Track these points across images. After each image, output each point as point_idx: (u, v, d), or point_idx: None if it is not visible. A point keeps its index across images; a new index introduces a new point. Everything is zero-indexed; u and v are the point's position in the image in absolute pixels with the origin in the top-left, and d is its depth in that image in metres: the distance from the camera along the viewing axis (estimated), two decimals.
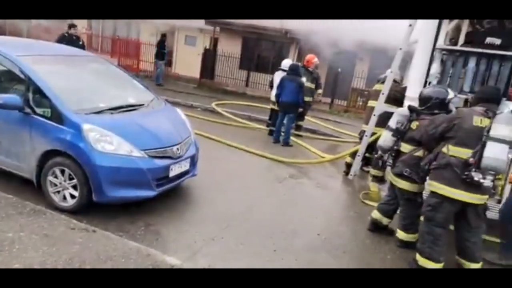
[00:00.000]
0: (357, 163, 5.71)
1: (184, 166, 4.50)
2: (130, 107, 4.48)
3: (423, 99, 4.05)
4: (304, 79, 8.48)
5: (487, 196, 3.40)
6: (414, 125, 4.00)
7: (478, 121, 3.32)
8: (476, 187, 3.30)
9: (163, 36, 15.03)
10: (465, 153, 3.33)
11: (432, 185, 3.52)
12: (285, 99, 8.17)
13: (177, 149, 4.34)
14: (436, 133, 3.56)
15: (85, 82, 4.55)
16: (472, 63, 4.36)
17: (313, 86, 9.10)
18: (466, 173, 3.25)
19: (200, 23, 15.96)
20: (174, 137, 4.42)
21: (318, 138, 9.43)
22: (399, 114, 4.17)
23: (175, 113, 4.99)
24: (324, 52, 14.78)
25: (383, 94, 5.11)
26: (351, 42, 13.41)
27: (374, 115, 5.27)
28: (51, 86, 3.90)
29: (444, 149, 3.48)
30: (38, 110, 3.87)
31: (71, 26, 9.93)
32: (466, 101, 4.59)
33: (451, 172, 3.36)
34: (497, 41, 4.21)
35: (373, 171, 6.08)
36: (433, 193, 3.53)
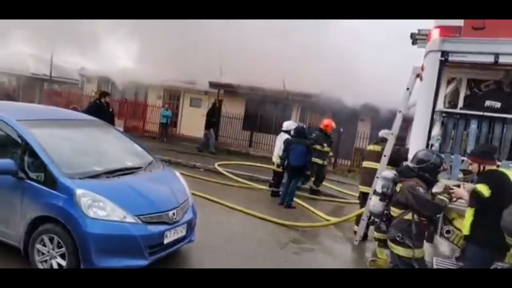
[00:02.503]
0: (362, 227, 5.47)
1: (181, 231, 4.31)
2: (127, 171, 4.41)
3: (417, 161, 3.96)
4: (320, 144, 8.80)
5: None
6: (398, 187, 3.93)
7: None
8: None
9: (214, 105, 15.19)
10: None
11: None
12: (293, 163, 8.01)
13: (173, 214, 4.18)
14: None
15: (83, 146, 4.54)
16: (473, 125, 4.31)
17: (329, 149, 9.13)
18: None
19: (205, 86, 16.52)
20: (171, 202, 4.28)
21: (323, 199, 9.18)
22: (383, 178, 4.14)
23: (173, 176, 4.90)
24: (326, 113, 15.06)
25: (385, 156, 5.03)
26: (352, 103, 13.72)
27: (377, 177, 5.13)
28: (47, 150, 3.86)
29: None
30: (32, 175, 3.80)
31: (105, 94, 9.42)
32: None
33: None
34: (497, 104, 4.21)
35: (376, 235, 5.79)
36: None
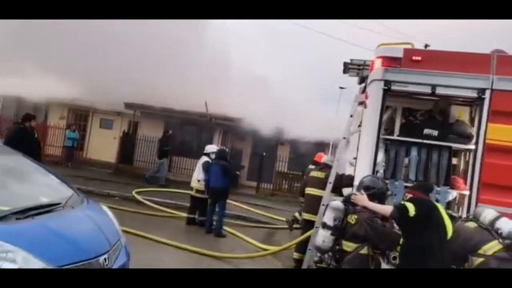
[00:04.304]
0: (309, 258, 5.28)
1: None
2: (43, 209, 3.56)
3: (364, 188, 3.91)
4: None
5: None
6: (352, 218, 3.71)
7: None
8: None
9: (166, 132, 13.87)
10: None
11: None
12: (212, 185, 7.88)
13: (105, 259, 3.44)
14: None
15: None
16: (414, 152, 4.50)
17: None
18: None
19: (119, 106, 15.33)
20: (101, 244, 3.54)
21: (252, 226, 8.91)
22: (334, 209, 3.83)
23: (100, 212, 4.14)
24: (247, 137, 15.09)
25: (330, 183, 4.99)
26: (272, 127, 13.96)
27: (323, 205, 5.05)
28: None
29: None
30: None
31: (30, 117, 7.30)
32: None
33: None
34: (434, 133, 4.47)
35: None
36: None
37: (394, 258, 4.28)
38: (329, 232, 3.75)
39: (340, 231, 3.73)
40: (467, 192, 4.25)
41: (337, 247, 3.76)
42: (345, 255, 3.67)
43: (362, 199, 3.72)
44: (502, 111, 4.12)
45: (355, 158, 6.32)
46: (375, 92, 4.46)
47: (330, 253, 3.79)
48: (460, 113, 4.69)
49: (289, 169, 15.00)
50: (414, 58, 4.38)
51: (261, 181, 14.40)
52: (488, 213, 3.75)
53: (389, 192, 4.01)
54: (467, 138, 4.40)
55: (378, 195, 3.83)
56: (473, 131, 4.38)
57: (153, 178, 13.22)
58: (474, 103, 4.54)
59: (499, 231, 3.58)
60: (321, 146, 15.01)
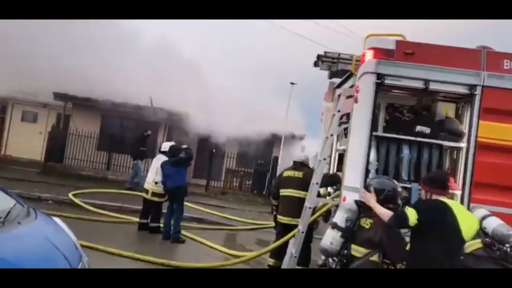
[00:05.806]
0: (291, 264, 4.85)
1: None
2: None
3: (375, 191, 3.62)
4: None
5: None
6: (367, 223, 3.47)
7: None
8: None
9: (146, 131, 12.24)
10: None
11: None
12: (169, 184, 7.20)
13: None
14: None
15: None
16: (406, 150, 4.31)
17: None
18: None
19: (46, 97, 13.58)
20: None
21: (211, 228, 8.30)
22: (347, 210, 3.62)
23: (54, 227, 3.31)
24: (193, 133, 14.29)
25: (317, 183, 4.61)
26: (220, 123, 13.38)
27: (310, 208, 4.66)
28: None
29: None
30: None
31: None
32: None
33: None
34: (427, 130, 4.30)
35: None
36: None
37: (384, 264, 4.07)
38: (340, 233, 3.51)
39: (351, 233, 3.47)
40: (458, 192, 4.15)
41: (345, 251, 3.46)
42: (353, 260, 3.39)
43: (369, 198, 3.47)
44: (492, 109, 4.07)
45: (328, 157, 6.11)
46: (367, 86, 4.16)
47: (335, 258, 3.47)
48: (447, 110, 4.60)
49: (237, 166, 14.54)
50: (406, 51, 4.17)
51: (210, 179, 13.72)
52: (478, 213, 3.68)
53: (399, 189, 3.71)
54: (458, 136, 4.30)
55: (390, 198, 3.55)
56: (463, 128, 4.30)
57: (134, 184, 11.65)
58: (462, 100, 4.47)
59: (486, 230, 3.52)
60: (271, 142, 14.80)
